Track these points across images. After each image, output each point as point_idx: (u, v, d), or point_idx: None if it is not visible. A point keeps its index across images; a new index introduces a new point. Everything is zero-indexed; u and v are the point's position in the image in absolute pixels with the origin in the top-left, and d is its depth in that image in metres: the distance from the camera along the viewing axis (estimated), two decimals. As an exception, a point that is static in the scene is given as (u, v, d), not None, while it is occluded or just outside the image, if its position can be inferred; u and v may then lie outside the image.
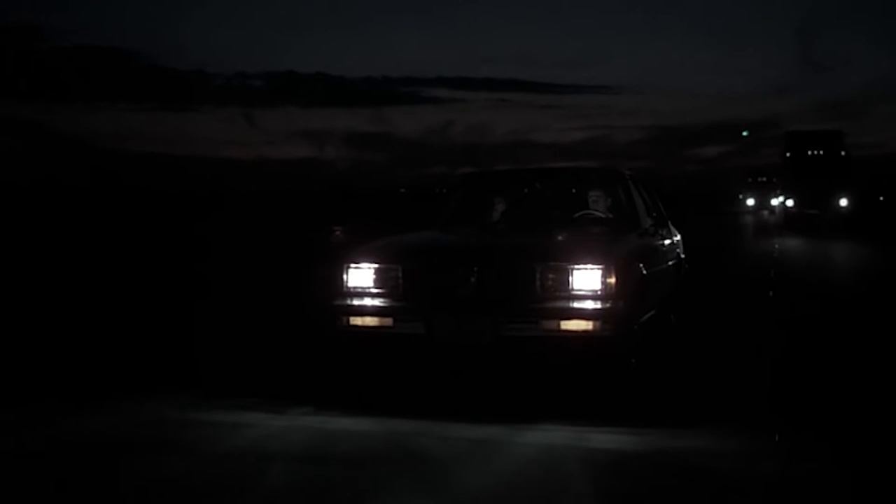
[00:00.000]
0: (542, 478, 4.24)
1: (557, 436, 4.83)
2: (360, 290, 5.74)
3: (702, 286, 9.43)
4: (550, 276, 5.42)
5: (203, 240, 20.76)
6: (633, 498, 4.01)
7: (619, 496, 4.03)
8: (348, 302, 5.74)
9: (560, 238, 6.33)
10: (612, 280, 5.37)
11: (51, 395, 5.88)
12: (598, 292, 5.35)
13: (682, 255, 8.25)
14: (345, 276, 5.79)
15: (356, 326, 5.72)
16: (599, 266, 5.39)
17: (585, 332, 5.30)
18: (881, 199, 38.37)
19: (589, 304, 5.34)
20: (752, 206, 43.70)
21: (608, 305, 5.33)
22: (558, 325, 5.32)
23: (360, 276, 5.76)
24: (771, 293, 10.70)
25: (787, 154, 27.58)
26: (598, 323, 5.29)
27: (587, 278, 5.37)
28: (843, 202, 26.18)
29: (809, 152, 27.35)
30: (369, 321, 5.70)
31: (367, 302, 5.71)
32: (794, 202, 26.83)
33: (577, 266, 5.40)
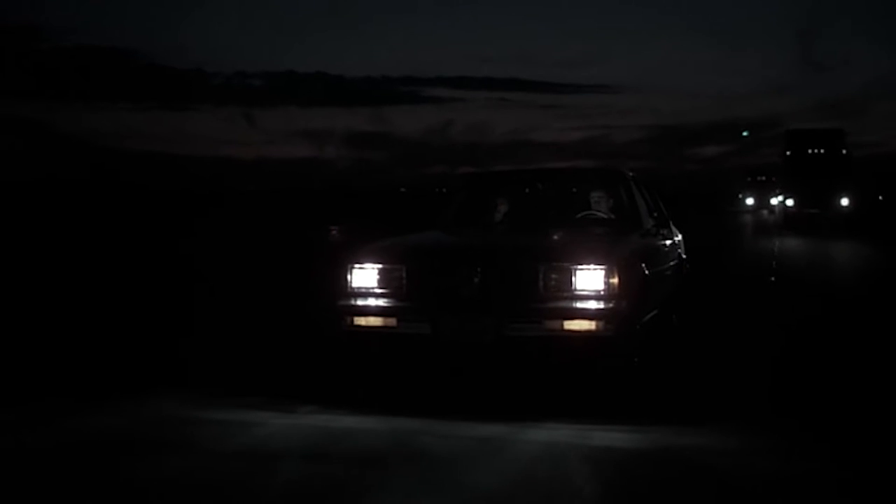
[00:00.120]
0: (545, 476, 4.28)
1: (561, 434, 4.87)
2: (364, 290, 5.78)
3: (702, 287, 9.46)
4: (554, 276, 5.46)
5: (204, 240, 20.76)
6: (636, 495, 4.05)
7: (622, 493, 4.07)
8: (352, 302, 5.78)
9: (563, 238, 6.37)
10: (615, 280, 5.41)
11: (54, 393, 5.90)
12: (601, 292, 5.39)
13: (684, 256, 8.29)
14: (349, 277, 5.82)
15: (360, 326, 5.76)
16: (602, 266, 5.43)
17: (589, 331, 5.34)
18: (880, 198, 38.31)
19: (592, 304, 5.38)
20: (751, 206, 43.65)
21: (611, 305, 5.38)
22: (562, 324, 5.36)
23: (365, 276, 5.79)
24: (771, 291, 10.72)
25: (788, 153, 27.32)
26: (601, 323, 5.33)
27: (590, 278, 5.41)
28: (845, 202, 25.95)
29: (810, 151, 27.06)
30: (373, 321, 5.74)
31: (372, 302, 5.75)
32: (795, 202, 26.57)
33: (580, 266, 5.44)
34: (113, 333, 8.10)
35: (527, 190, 7.67)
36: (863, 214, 26.36)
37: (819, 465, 4.36)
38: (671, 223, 7.85)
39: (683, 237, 8.52)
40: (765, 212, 39.52)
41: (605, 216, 7.03)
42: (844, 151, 26.95)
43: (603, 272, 5.41)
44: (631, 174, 7.38)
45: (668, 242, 7.47)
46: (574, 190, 7.58)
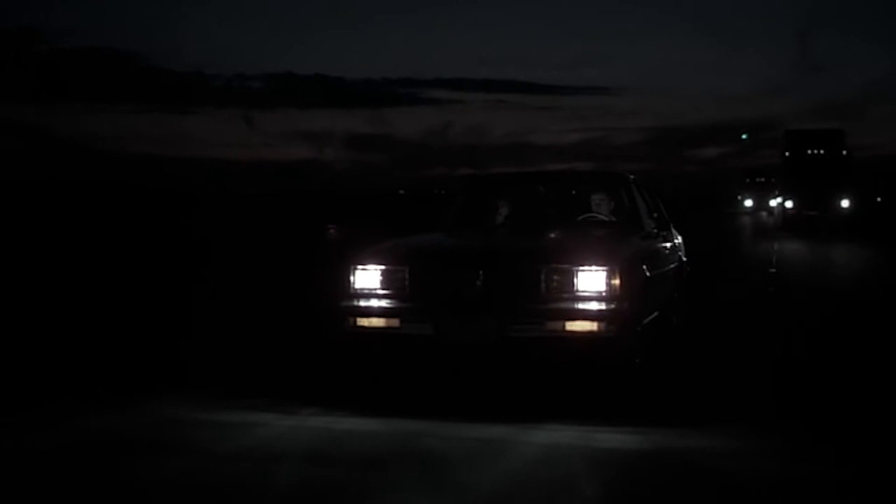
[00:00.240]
0: (547, 477, 4.29)
1: (563, 435, 4.88)
2: (367, 291, 5.79)
3: (702, 288, 9.48)
4: (555, 277, 5.48)
5: (204, 240, 20.78)
6: (637, 496, 4.06)
7: (624, 495, 4.08)
8: (355, 303, 5.80)
9: (564, 240, 6.39)
10: (617, 281, 5.43)
11: (54, 394, 5.91)
12: (603, 293, 5.41)
13: (684, 258, 8.31)
14: (352, 278, 5.84)
15: (363, 327, 5.77)
16: (604, 267, 5.45)
17: (590, 332, 5.36)
18: (878, 199, 38.30)
19: (594, 305, 5.40)
20: (749, 208, 43.56)
21: (613, 306, 5.39)
22: (563, 325, 5.38)
23: (367, 277, 5.81)
24: (770, 290, 10.74)
25: (787, 153, 26.91)
26: (602, 324, 5.35)
27: (592, 280, 5.43)
28: (845, 203, 25.60)
29: (809, 151, 26.66)
30: (376, 322, 5.75)
31: (374, 303, 5.77)
32: (794, 203, 26.10)
33: (582, 267, 5.46)
34: (113, 334, 8.10)
35: (528, 192, 7.70)
36: (863, 216, 26.17)
37: (821, 467, 4.37)
38: (672, 226, 7.87)
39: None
40: (764, 213, 39.41)
41: (607, 218, 7.05)
42: (845, 152, 26.58)
43: (605, 273, 5.43)
44: (632, 177, 7.41)
45: (668, 245, 7.49)
46: (575, 192, 7.61)
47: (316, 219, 31.36)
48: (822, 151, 26.68)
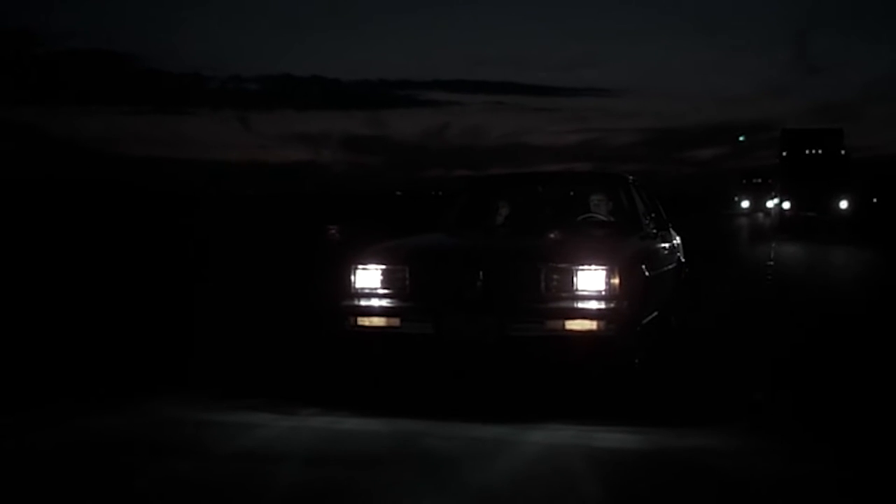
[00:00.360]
0: (547, 477, 4.29)
1: (563, 435, 4.89)
2: (367, 290, 5.80)
3: (701, 289, 9.50)
4: (555, 277, 5.49)
5: (204, 240, 20.77)
6: (637, 496, 4.07)
7: (624, 495, 4.09)
8: (356, 303, 5.81)
9: (564, 240, 6.41)
10: (616, 281, 5.44)
11: (54, 394, 5.91)
12: (603, 293, 5.42)
13: (683, 259, 8.33)
14: (352, 278, 5.85)
15: (364, 327, 5.79)
16: (604, 267, 5.47)
17: (590, 331, 5.37)
18: (874, 200, 38.28)
19: (593, 305, 5.41)
20: (746, 209, 43.58)
21: (612, 306, 5.41)
22: (563, 324, 5.40)
23: (368, 277, 5.82)
24: (768, 295, 10.74)
25: (784, 153, 26.70)
26: (602, 323, 5.37)
27: (592, 279, 5.45)
28: (843, 204, 25.36)
29: (807, 151, 26.47)
30: (377, 321, 5.77)
31: (375, 303, 5.78)
32: (791, 204, 25.82)
33: (581, 267, 5.47)
34: (113, 334, 8.09)
35: (528, 193, 7.74)
36: (861, 218, 25.99)
37: (821, 467, 4.37)
38: (670, 227, 7.90)
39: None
40: (760, 214, 39.35)
41: (605, 219, 7.08)
42: (843, 152, 26.37)
43: (604, 273, 5.45)
44: (631, 178, 7.44)
45: (667, 245, 7.52)
46: (574, 193, 7.64)
47: (315, 220, 31.37)
48: (819, 151, 26.43)
